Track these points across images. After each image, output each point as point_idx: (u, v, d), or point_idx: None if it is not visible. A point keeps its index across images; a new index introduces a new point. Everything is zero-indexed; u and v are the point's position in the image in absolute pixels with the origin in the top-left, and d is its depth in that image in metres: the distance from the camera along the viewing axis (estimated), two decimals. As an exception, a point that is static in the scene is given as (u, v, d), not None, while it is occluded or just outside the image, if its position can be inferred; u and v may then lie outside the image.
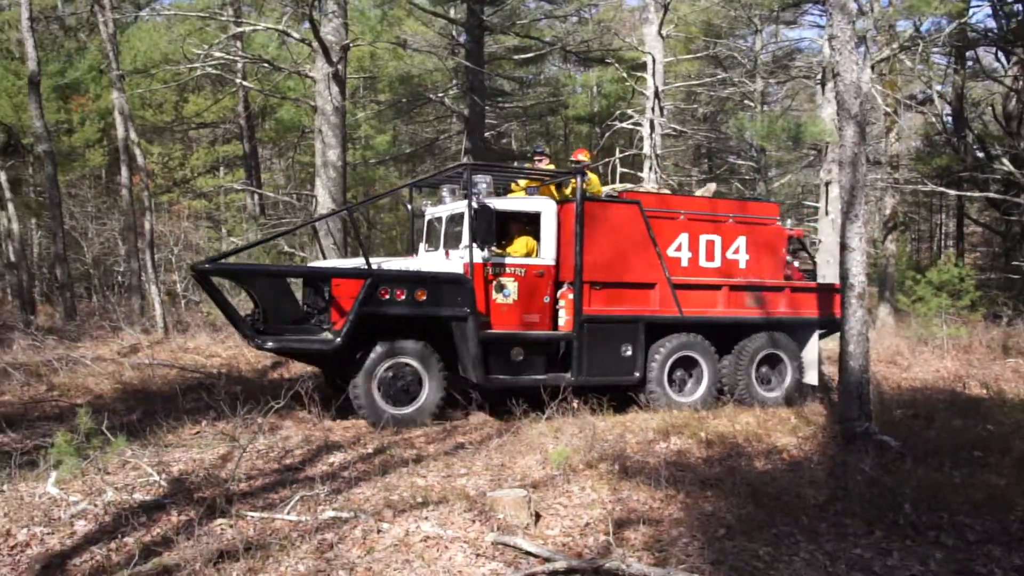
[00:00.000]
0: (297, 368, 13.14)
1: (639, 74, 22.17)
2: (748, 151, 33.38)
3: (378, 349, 10.17)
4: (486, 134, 26.21)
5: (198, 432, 9.41)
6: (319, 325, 10.25)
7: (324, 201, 15.96)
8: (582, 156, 11.99)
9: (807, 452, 9.01)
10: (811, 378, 12.34)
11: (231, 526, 6.43)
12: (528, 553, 5.91)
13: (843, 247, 9.18)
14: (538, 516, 6.70)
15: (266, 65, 19.90)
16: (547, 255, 11.06)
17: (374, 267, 10.27)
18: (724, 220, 11.87)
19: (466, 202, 10.53)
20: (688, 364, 11.66)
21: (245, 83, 22.88)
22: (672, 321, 11.46)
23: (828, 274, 19.34)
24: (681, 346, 11.49)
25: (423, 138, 29.76)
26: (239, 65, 22.09)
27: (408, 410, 10.24)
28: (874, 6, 21.80)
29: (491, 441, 9.33)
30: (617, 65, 23.58)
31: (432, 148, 29.26)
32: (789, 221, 13.46)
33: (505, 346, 10.73)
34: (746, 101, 30.50)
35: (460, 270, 10.47)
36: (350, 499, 7.14)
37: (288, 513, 6.65)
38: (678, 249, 11.59)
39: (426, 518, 6.58)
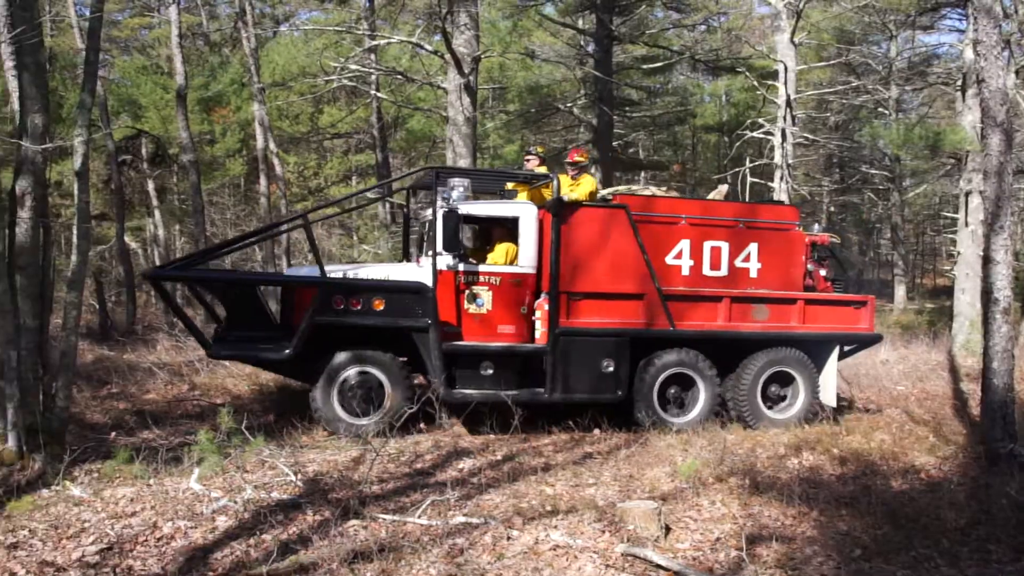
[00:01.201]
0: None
1: (770, 82, 21.68)
2: (882, 160, 32.25)
3: (338, 358, 9.85)
4: (614, 143, 26.11)
5: (331, 435, 9.64)
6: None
7: (453, 210, 16.14)
8: (578, 157, 11.24)
9: (947, 472, 8.57)
10: (829, 398, 11.21)
11: (364, 527, 6.55)
12: (658, 566, 5.82)
13: (987, 260, 8.71)
14: (668, 529, 6.58)
15: (399, 77, 20.33)
16: (526, 263, 10.35)
17: (342, 275, 10.16)
18: (733, 225, 10.88)
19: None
20: (683, 382, 10.73)
21: (379, 94, 23.42)
22: (663, 335, 10.53)
23: (968, 287, 18.48)
24: (673, 363, 10.56)
25: (551, 147, 29.78)
26: (373, 77, 22.62)
27: (367, 421, 9.77)
28: (1019, 8, 20.71)
29: (619, 452, 9.24)
30: (747, 73, 23.15)
31: (560, 157, 29.28)
32: (816, 226, 12.32)
33: (474, 359, 10.12)
34: (880, 109, 29.50)
35: (427, 278, 10.02)
36: (480, 505, 7.18)
37: (419, 517, 6.73)
38: (678, 257, 10.71)
39: (555, 527, 6.55)
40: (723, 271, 10.83)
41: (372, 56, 22.37)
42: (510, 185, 11.43)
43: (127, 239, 22.73)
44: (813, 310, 11.08)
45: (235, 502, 6.94)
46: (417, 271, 10.31)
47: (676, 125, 31.64)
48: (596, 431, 10.30)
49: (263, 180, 21.53)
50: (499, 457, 8.90)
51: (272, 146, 19.41)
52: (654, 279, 10.39)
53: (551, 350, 10.09)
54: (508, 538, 6.32)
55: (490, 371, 10.09)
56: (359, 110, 27.54)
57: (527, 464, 8.60)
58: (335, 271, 10.41)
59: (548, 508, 7.05)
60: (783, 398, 11.09)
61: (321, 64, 20.00)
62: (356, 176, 31.06)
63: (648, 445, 9.44)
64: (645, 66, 26.22)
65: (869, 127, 25.69)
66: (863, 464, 8.71)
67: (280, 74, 24.82)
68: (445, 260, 10.02)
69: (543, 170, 11.11)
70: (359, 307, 9.80)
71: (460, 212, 9.98)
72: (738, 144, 22.75)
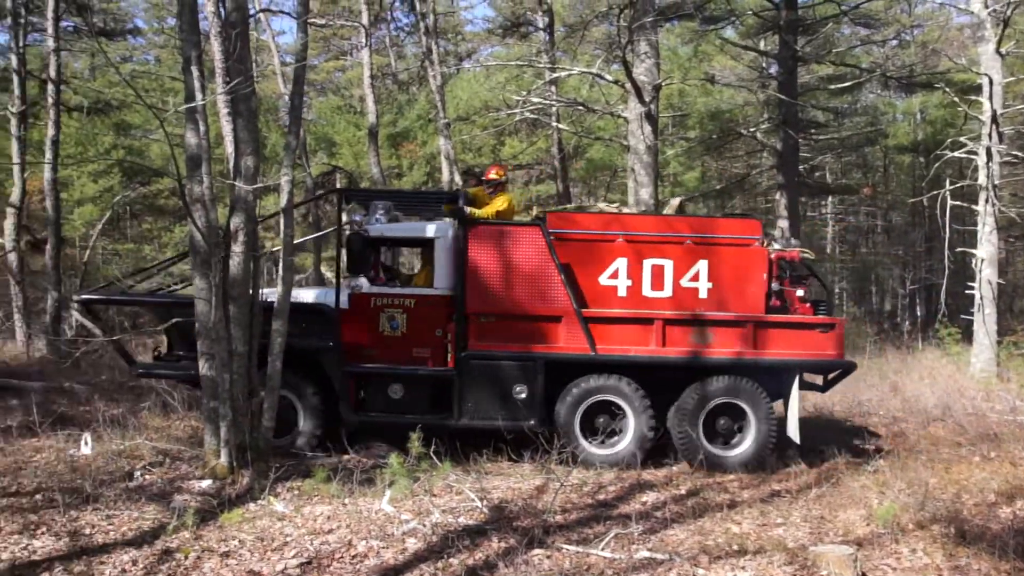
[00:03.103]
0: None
1: (972, 97, 20.48)
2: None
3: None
4: (800, 167, 25.38)
5: (515, 463, 9.79)
6: None
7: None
8: (493, 174, 10.90)
9: None
10: (792, 433, 10.09)
11: (548, 557, 6.61)
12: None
13: None
14: (864, 576, 6.31)
15: (580, 107, 20.56)
16: (440, 284, 10.07)
17: None
18: (679, 242, 10.06)
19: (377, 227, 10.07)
20: (613, 412, 9.95)
21: (559, 125, 23.76)
22: (582, 360, 9.90)
23: None
24: (596, 390, 9.87)
25: (733, 174, 29.34)
26: (553, 108, 22.99)
27: (281, 441, 9.65)
28: None
29: (809, 491, 8.88)
30: (945, 89, 21.97)
31: (743, 184, 28.75)
32: (794, 240, 11.01)
33: (382, 381, 9.96)
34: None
35: (331, 300, 9.95)
36: (664, 540, 7.10)
37: (603, 549, 6.73)
38: (614, 276, 9.98)
39: (743, 567, 6.40)
40: (667, 291, 10.01)
41: (552, 88, 22.74)
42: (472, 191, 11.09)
43: (322, 268, 23.94)
44: (768, 334, 10.02)
45: (424, 525, 7.18)
46: (328, 294, 10.25)
47: (866, 146, 30.37)
48: (788, 467, 9.97)
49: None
50: (683, 492, 8.78)
51: (457, 179, 20.03)
52: (572, 300, 9.83)
53: (457, 374, 9.85)
54: None
55: (399, 394, 9.93)
56: (540, 141, 28.02)
57: (712, 500, 8.43)
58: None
59: (735, 547, 6.89)
60: (735, 433, 10.06)
61: (503, 98, 20.52)
62: (538, 207, 31.54)
63: (840, 485, 9.04)
64: (832, 86, 25.38)
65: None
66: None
67: (464, 109, 25.65)
68: (357, 282, 9.99)
69: (478, 190, 10.89)
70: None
71: (368, 235, 9.97)
72: (936, 164, 21.54)
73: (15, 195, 20.24)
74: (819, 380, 11.04)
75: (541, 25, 26.18)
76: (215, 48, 8.52)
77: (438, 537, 6.93)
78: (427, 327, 10.02)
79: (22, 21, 21.22)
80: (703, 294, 10.01)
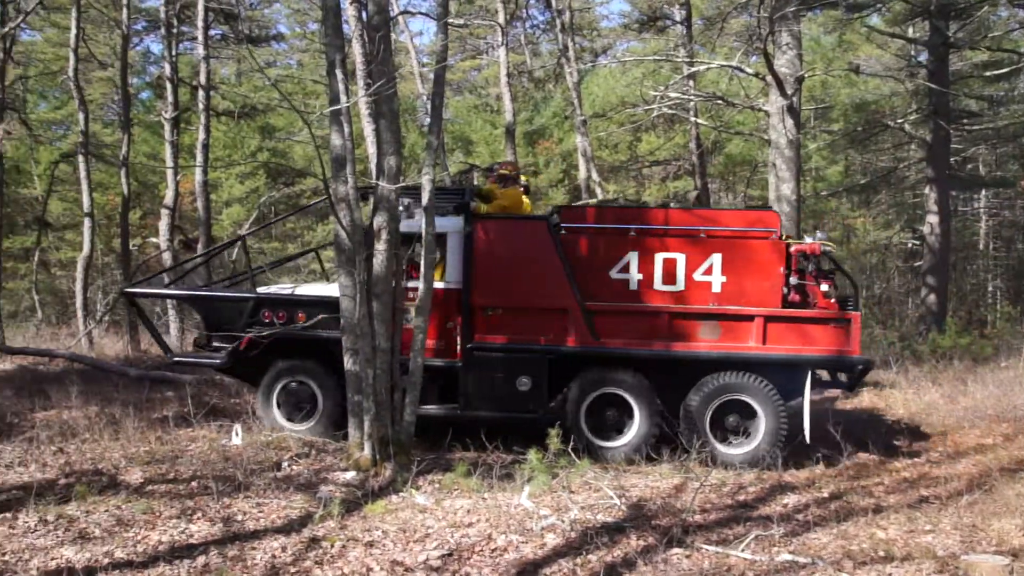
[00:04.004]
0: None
1: None
2: None
3: (274, 368, 10.45)
4: (951, 160, 24.23)
5: (653, 461, 9.74)
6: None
7: (776, 235, 15.79)
8: (503, 171, 10.83)
9: None
10: (805, 430, 9.78)
11: (687, 557, 6.58)
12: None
13: None
14: (1021, 588, 6.01)
15: (719, 102, 20.24)
16: (452, 278, 10.16)
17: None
18: (691, 235, 9.91)
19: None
20: (621, 405, 9.91)
21: (698, 120, 23.44)
22: (586, 353, 9.88)
23: None
24: (601, 382, 9.85)
25: (879, 167, 28.24)
26: (691, 103, 22.69)
27: (303, 426, 10.28)
28: None
29: (959, 498, 8.50)
30: (1115, 74, 20.61)
31: (889, 178, 27.66)
32: (819, 234, 10.40)
33: None
34: None
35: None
36: (806, 544, 6.95)
37: (743, 551, 6.64)
38: (624, 270, 9.89)
39: (890, 574, 6.21)
40: (678, 285, 9.88)
41: (690, 82, 22.45)
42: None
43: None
44: (779, 329, 9.76)
45: (562, 521, 7.23)
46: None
47: (1024, 136, 28.75)
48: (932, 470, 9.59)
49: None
50: (825, 495, 8.55)
51: (595, 175, 20.05)
52: (576, 294, 9.80)
53: (463, 366, 10.00)
54: (838, 580, 6.09)
55: None
56: (677, 136, 27.71)
57: (856, 504, 8.17)
58: (285, 288, 11.35)
59: (881, 553, 6.67)
60: (744, 431, 9.81)
61: (640, 93, 20.38)
62: (675, 203, 31.22)
63: (994, 492, 8.60)
64: (987, 73, 24.14)
65: None
66: None
67: (600, 105, 25.60)
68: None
69: (492, 187, 10.83)
70: (284, 320, 10.46)
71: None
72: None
73: (168, 197, 21.43)
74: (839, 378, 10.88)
75: (678, 18, 25.85)
76: (356, 51, 8.79)
77: (577, 533, 6.98)
78: (439, 320, 10.19)
79: (175, 31, 22.38)
80: (716, 288, 9.88)
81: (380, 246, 8.84)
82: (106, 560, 6.35)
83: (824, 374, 11.07)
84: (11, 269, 28.32)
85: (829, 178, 27.48)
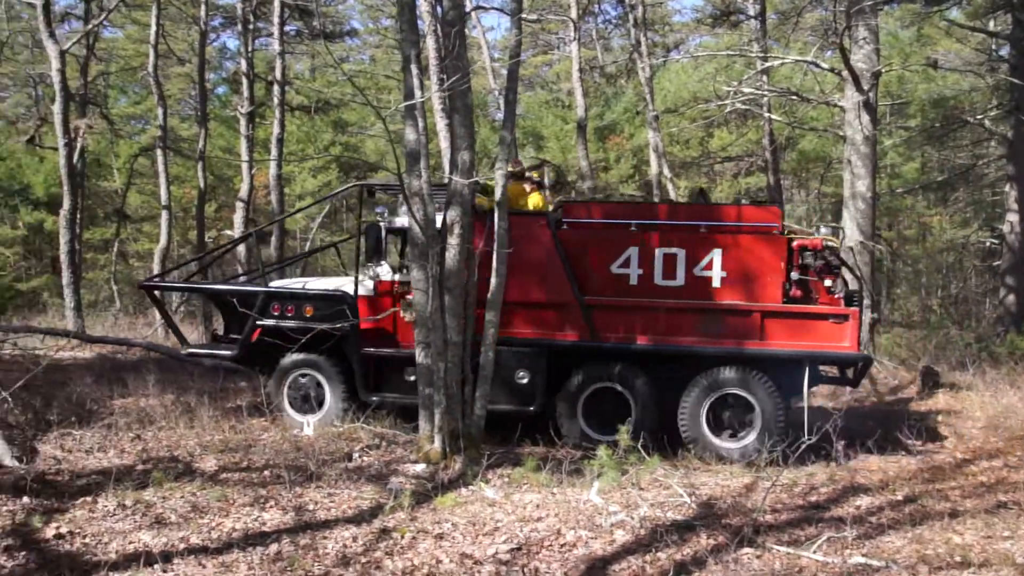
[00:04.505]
0: (820, 402, 12.90)
1: None
2: None
3: (284, 360, 10.79)
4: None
5: (724, 460, 9.66)
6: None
7: (852, 233, 15.49)
8: (510, 168, 10.24)
9: None
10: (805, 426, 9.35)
11: (758, 557, 6.51)
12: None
13: None
14: (1107, 598, 5.83)
15: (793, 97, 19.92)
16: None
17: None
18: (692, 230, 9.91)
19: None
20: (617, 400, 9.99)
21: (771, 116, 23.11)
22: (583, 348, 9.98)
23: None
24: (597, 377, 9.94)
25: (956, 164, 27.49)
26: (764, 99, 22.38)
27: (313, 417, 10.61)
28: None
29: (1042, 504, 8.29)
30: None
31: (967, 175, 26.91)
32: (823, 229, 10.35)
33: (398, 364, 10.49)
34: None
35: (351, 287, 10.65)
36: (879, 547, 6.82)
37: (815, 552, 6.55)
38: (625, 265, 9.94)
39: (967, 580, 6.07)
40: (679, 280, 9.93)
41: (764, 77, 22.13)
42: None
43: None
44: (777, 324, 9.76)
45: (632, 517, 7.22)
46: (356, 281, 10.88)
47: (1113, 132, 27.71)
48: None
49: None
50: (899, 497, 8.37)
51: (667, 171, 19.91)
52: (575, 289, 9.88)
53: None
54: (914, 585, 5.97)
55: (413, 377, 9.97)
56: (749, 132, 27.35)
57: (931, 508, 7.99)
58: (296, 282, 11.80)
59: (957, 559, 6.52)
60: (742, 426, 9.82)
61: (713, 88, 20.16)
62: (746, 199, 30.84)
63: (1080, 499, 8.37)
64: (1074, 68, 23.33)
65: None
66: None
67: (672, 100, 25.38)
68: (378, 270, 10.76)
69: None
70: (292, 313, 10.75)
71: (384, 226, 10.66)
72: None
73: (243, 190, 21.86)
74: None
75: (752, 13, 25.46)
76: (430, 46, 8.87)
77: (646, 530, 6.96)
78: None
79: (251, 27, 22.79)
80: (716, 283, 9.91)
81: (453, 240, 8.92)
82: (182, 545, 6.52)
83: (833, 370, 11.11)
84: (91, 260, 29.18)
85: (905, 175, 26.84)
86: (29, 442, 9.42)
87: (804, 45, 23.94)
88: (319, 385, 10.87)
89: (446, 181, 9.13)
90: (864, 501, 8.22)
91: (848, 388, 11.85)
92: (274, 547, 6.54)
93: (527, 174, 11.19)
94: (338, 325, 10.29)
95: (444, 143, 9.10)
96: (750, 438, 9.76)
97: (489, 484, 8.32)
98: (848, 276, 10.52)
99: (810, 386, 9.97)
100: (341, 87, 29.55)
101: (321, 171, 29.65)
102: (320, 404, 10.84)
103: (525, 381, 10.14)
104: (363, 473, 8.57)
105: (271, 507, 7.47)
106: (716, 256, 9.91)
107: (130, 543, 6.57)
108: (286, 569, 6.14)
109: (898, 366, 15.79)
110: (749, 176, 29.59)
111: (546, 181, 11.55)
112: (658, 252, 10.01)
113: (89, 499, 7.52)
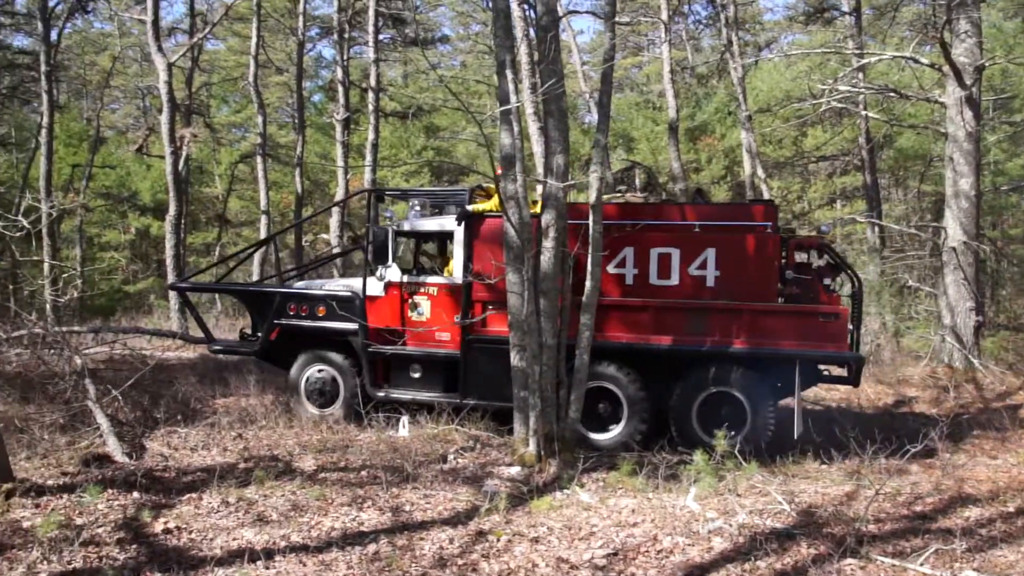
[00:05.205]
0: (922, 408, 12.56)
1: None
2: None
3: (301, 357, 11.44)
4: None
5: (824, 466, 9.47)
6: None
7: (954, 233, 15.03)
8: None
9: None
10: (796, 425, 9.66)
11: (862, 568, 6.35)
12: None
13: None
14: None
15: (891, 94, 19.41)
16: (459, 274, 10.76)
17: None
18: (686, 229, 9.95)
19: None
20: (611, 398, 10.14)
21: (868, 113, 22.55)
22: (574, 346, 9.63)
23: None
24: (590, 377, 9.65)
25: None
26: (860, 96, 21.85)
27: (327, 411, 11.21)
28: None
29: None
30: None
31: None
32: (824, 227, 10.34)
33: (404, 362, 11.01)
34: None
35: (359, 288, 11.07)
36: (991, 561, 6.58)
37: (922, 564, 6.37)
38: (621, 265, 10.09)
39: (1087, 597, 5.83)
40: (673, 280, 10.02)
41: (860, 74, 21.62)
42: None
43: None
44: (765, 323, 9.72)
45: (729, 524, 7.13)
46: (371, 283, 11.23)
47: None
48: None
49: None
50: (1011, 509, 8.07)
51: (760, 172, 19.59)
52: (569, 288, 9.70)
53: (462, 356, 10.59)
54: (1031, 601, 5.77)
55: (418, 374, 11.01)
56: (845, 131, 26.72)
57: (1047, 520, 7.71)
58: (316, 284, 12.12)
59: (1073, 574, 6.29)
60: (733, 423, 9.74)
61: (807, 87, 19.77)
62: (841, 199, 30.13)
63: None
64: None
65: None
66: None
67: (764, 100, 24.98)
68: (384, 271, 11.05)
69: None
70: (306, 313, 11.35)
71: (392, 229, 11.02)
72: None
73: (339, 195, 22.28)
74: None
75: (846, 9, 24.96)
76: (523, 51, 8.93)
77: (744, 538, 6.86)
78: (448, 313, 10.88)
79: (346, 36, 23.27)
80: (710, 282, 9.95)
81: (548, 243, 8.97)
82: (283, 543, 6.69)
83: (834, 369, 11.01)
84: (194, 263, 30.14)
85: (1010, 172, 25.81)
86: (138, 439, 9.82)
87: (901, 40, 23.27)
88: (334, 380, 11.42)
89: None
90: (973, 512, 7.95)
91: (951, 394, 11.58)
92: (372, 547, 6.64)
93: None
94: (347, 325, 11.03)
95: (537, 147, 9.16)
96: (740, 436, 9.67)
97: (584, 488, 8.33)
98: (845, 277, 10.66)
99: (806, 386, 10.19)
100: (433, 92, 29.91)
101: (414, 175, 30.06)
102: (335, 398, 11.39)
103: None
104: (458, 475, 8.66)
105: (368, 507, 7.61)
106: (710, 255, 9.99)
107: (234, 539, 6.76)
108: (384, 569, 6.24)
109: (1005, 371, 15.22)
110: (844, 175, 28.92)
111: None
112: (652, 252, 10.16)
113: (195, 495, 7.77)
